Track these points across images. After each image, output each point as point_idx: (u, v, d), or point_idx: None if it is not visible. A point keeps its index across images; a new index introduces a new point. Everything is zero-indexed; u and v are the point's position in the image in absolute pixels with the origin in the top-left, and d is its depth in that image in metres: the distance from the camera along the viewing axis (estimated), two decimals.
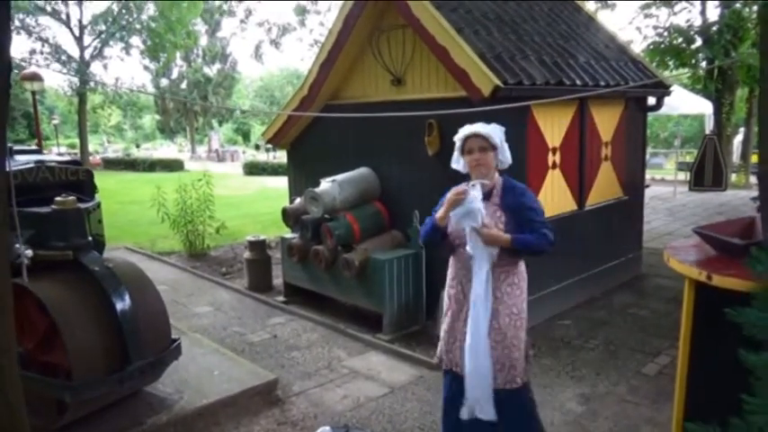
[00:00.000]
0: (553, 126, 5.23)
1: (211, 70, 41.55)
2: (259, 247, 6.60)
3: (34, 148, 6.44)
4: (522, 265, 2.94)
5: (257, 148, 39.42)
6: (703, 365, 2.53)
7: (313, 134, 6.14)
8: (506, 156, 2.89)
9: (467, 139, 2.81)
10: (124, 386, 3.30)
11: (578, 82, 5.10)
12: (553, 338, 4.93)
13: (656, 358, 4.50)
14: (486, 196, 2.79)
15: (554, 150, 5.27)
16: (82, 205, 3.53)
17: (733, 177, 15.08)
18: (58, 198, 3.38)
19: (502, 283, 2.80)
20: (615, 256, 6.27)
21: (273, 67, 54.36)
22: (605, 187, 6.05)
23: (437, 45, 4.59)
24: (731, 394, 2.37)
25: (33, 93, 14.35)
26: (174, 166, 28.03)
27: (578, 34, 6.16)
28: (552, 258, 5.30)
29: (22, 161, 3.82)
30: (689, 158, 17.62)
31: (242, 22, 20.48)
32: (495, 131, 2.82)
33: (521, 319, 2.85)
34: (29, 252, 3.03)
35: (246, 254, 6.70)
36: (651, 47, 15.54)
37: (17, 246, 3.10)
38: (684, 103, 11.63)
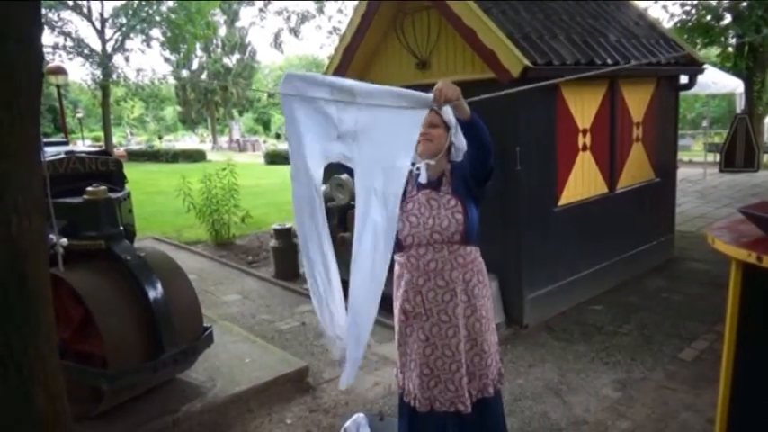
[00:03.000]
0: (583, 107, 5.10)
1: (231, 60, 41.71)
2: (285, 235, 6.60)
3: (63, 140, 6.51)
4: (483, 264, 2.61)
5: (278, 137, 39.59)
6: (752, 350, 2.44)
7: None
8: (461, 142, 2.50)
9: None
10: (158, 374, 3.33)
11: (609, 61, 4.96)
12: (585, 324, 4.84)
13: (693, 343, 4.39)
14: (436, 185, 2.49)
15: (584, 132, 5.15)
16: (113, 195, 3.54)
17: (765, 158, 14.66)
18: (89, 188, 3.40)
19: (468, 284, 2.51)
20: (647, 240, 6.13)
21: (292, 56, 54.32)
22: (636, 169, 5.91)
23: (464, 26, 4.49)
24: None
25: (58, 87, 14.52)
26: (196, 156, 28.31)
27: (607, 12, 5.99)
28: (583, 242, 5.25)
29: (52, 152, 3.85)
30: (717, 140, 17.18)
31: (261, 11, 20.41)
32: (450, 110, 2.46)
33: (489, 320, 2.58)
34: (64, 241, 3.05)
35: (272, 242, 6.71)
36: (678, 25, 15.12)
37: (51, 236, 3.12)
38: (714, 82, 11.31)
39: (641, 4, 6.76)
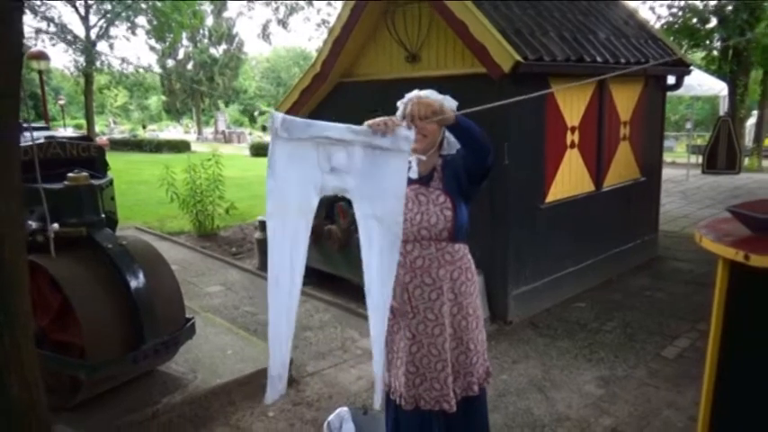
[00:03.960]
0: (572, 104, 5.11)
1: (217, 51, 41.24)
2: None
3: (43, 125, 6.37)
4: (472, 261, 2.57)
5: (264, 129, 39.27)
6: (737, 349, 2.46)
7: (326, 111, 6.02)
8: (453, 140, 2.44)
9: (410, 104, 2.34)
10: (138, 365, 3.26)
11: (599, 59, 4.96)
12: (569, 321, 4.86)
13: (676, 341, 4.42)
14: (426, 180, 2.44)
15: (573, 129, 5.16)
16: (95, 182, 3.46)
17: (746, 161, 14.87)
18: (70, 174, 3.32)
19: (455, 282, 2.47)
20: (631, 239, 6.17)
21: (280, 48, 53.96)
22: (623, 168, 5.94)
23: (455, 19, 4.46)
24: (766, 380, 2.30)
25: (40, 72, 14.26)
26: (180, 147, 27.95)
27: (598, 10, 6.00)
28: (568, 240, 5.27)
29: (33, 137, 3.74)
30: (700, 142, 17.39)
31: (249, 1, 20.19)
32: (447, 102, 2.40)
33: (476, 318, 2.54)
34: (55, 226, 2.97)
35: (257, 234, 6.64)
36: (665, 27, 15.25)
37: (31, 222, 3.05)
38: (699, 84, 11.42)
39: (630, 5, 6.78)
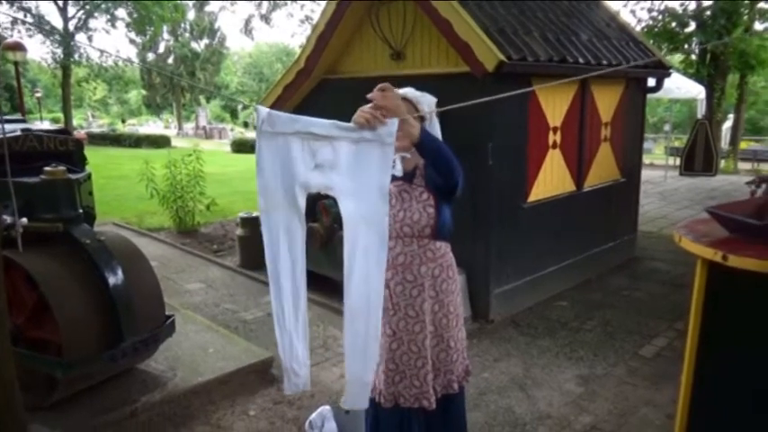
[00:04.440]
0: (555, 105, 5.15)
1: (199, 45, 40.83)
2: (251, 223, 6.48)
3: (19, 117, 6.24)
4: (453, 259, 2.57)
5: (246, 125, 38.98)
6: (714, 348, 2.50)
7: (309, 109, 5.99)
8: (436, 132, 2.44)
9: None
10: (117, 363, 3.21)
11: (581, 60, 5.01)
12: (550, 319, 4.90)
13: (654, 340, 4.49)
14: (410, 177, 2.44)
15: (555, 130, 5.20)
16: (72, 176, 3.39)
17: (722, 163, 15.15)
18: (47, 168, 3.25)
19: (436, 279, 2.46)
20: (611, 239, 6.25)
21: (262, 43, 53.54)
22: (604, 169, 6.00)
23: (440, 18, 4.46)
24: (743, 378, 2.34)
25: (16, 63, 13.96)
26: (160, 142, 27.61)
27: (580, 11, 6.05)
28: (550, 239, 5.31)
29: (7, 129, 3.66)
30: (678, 144, 17.68)
31: None
32: (425, 100, 2.42)
33: (457, 317, 2.54)
34: (24, 221, 2.90)
35: (239, 231, 6.59)
36: (645, 30, 15.46)
37: (5, 217, 2.97)
38: (677, 87, 11.60)
39: (611, 6, 6.85)
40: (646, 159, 16.95)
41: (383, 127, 2.04)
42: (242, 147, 24.35)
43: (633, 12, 15.75)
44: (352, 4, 5.13)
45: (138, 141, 28.14)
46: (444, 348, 2.51)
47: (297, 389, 2.11)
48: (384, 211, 2.08)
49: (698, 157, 13.08)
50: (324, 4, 5.46)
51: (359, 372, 2.13)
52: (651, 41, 15.13)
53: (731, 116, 19.47)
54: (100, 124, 42.94)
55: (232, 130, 38.90)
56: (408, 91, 2.45)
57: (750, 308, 2.35)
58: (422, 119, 2.41)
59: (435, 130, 2.48)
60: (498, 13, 4.81)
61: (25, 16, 24.26)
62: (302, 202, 2.07)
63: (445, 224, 2.48)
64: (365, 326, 2.12)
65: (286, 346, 2.11)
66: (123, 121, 44.90)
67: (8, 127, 3.87)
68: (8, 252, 2.94)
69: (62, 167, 3.31)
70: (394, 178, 2.44)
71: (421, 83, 4.68)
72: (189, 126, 41.73)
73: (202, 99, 44.26)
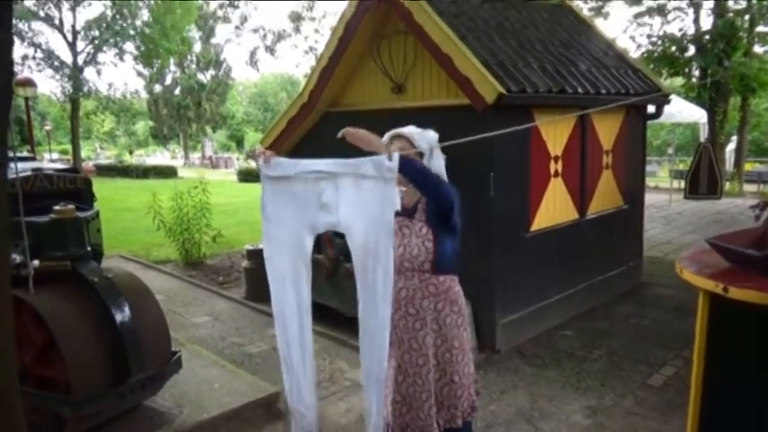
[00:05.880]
0: (555, 134, 5.21)
1: (205, 76, 41.46)
2: (257, 255, 6.51)
3: (28, 155, 6.35)
4: (459, 294, 2.60)
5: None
6: (719, 379, 2.49)
7: (313, 141, 6.09)
8: (437, 167, 2.49)
9: (391, 141, 2.51)
10: (124, 400, 3.22)
11: (580, 90, 5.08)
12: (556, 349, 4.88)
13: (661, 369, 4.46)
14: (411, 213, 2.50)
15: (556, 159, 5.25)
16: (81, 214, 3.45)
17: (727, 186, 15.15)
18: (56, 207, 3.31)
19: (439, 313, 2.49)
20: (616, 266, 6.24)
21: (268, 74, 54.35)
22: (606, 196, 6.03)
23: (440, 52, 4.56)
24: (748, 409, 2.34)
25: (26, 99, 14.21)
26: (167, 172, 27.90)
27: (578, 42, 6.16)
28: (554, 268, 5.32)
29: (19, 169, 3.74)
30: (682, 167, 17.71)
31: (237, 28, 20.41)
32: (422, 136, 2.49)
33: (462, 351, 2.55)
34: (35, 263, 2.95)
35: (245, 263, 6.62)
36: (645, 55, 15.62)
37: (15, 256, 3.03)
38: (679, 111, 11.69)
39: (610, 30, 6.96)
40: (650, 182, 17.00)
41: (384, 163, 2.10)
42: (248, 176, 24.52)
43: (632, 37, 15.84)
44: (355, 38, 5.25)
45: (145, 172, 28.42)
46: (448, 382, 2.52)
47: (302, 430, 2.13)
48: (390, 245, 2.13)
49: (702, 180, 13.12)
50: (327, 36, 5.59)
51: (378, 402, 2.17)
52: (651, 66, 15.30)
53: (734, 138, 19.52)
54: (108, 156, 43.46)
55: (238, 159, 39.24)
56: (406, 129, 2.53)
57: (753, 337, 2.36)
58: (420, 154, 2.48)
59: (436, 164, 2.53)
60: (497, 47, 4.91)
61: (35, 52, 24.80)
62: (309, 244, 2.12)
63: (446, 258, 2.51)
64: (380, 353, 2.16)
65: (294, 388, 2.15)
66: (131, 153, 45.43)
67: (19, 166, 3.95)
68: (17, 291, 2.98)
69: (71, 206, 3.37)
70: (395, 214, 2.49)
71: (422, 115, 4.76)
72: (195, 156, 42.15)
73: (209, 129, 44.81)
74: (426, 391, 2.48)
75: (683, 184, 13.84)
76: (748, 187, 16.33)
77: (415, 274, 2.48)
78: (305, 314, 2.13)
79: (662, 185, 16.26)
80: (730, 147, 19.70)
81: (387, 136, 2.54)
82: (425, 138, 2.53)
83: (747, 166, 19.02)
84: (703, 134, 14.75)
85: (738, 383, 2.41)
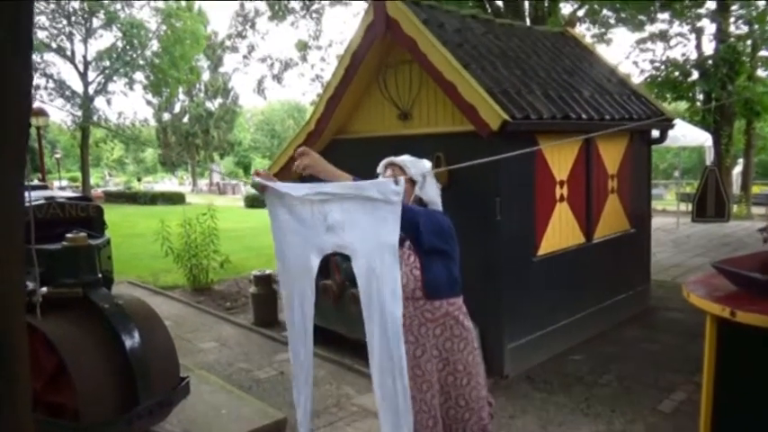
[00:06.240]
0: (560, 160, 5.25)
1: (213, 104, 42.08)
2: (265, 281, 6.55)
3: (40, 183, 6.45)
4: (460, 317, 2.59)
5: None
6: (729, 403, 2.48)
7: None
8: (430, 195, 2.57)
9: (385, 170, 2.63)
10: (132, 427, 3.22)
11: (584, 116, 5.14)
12: (565, 374, 4.84)
13: (672, 394, 4.41)
14: (401, 241, 2.50)
15: (561, 183, 5.28)
16: (92, 242, 3.51)
17: (734, 208, 15.11)
18: (68, 234, 3.37)
19: (438, 338, 2.51)
20: (624, 290, 6.22)
21: (275, 101, 55.04)
22: (612, 220, 6.04)
23: (444, 80, 4.64)
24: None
25: (38, 128, 14.48)
26: (175, 199, 28.15)
27: (581, 68, 6.25)
28: (561, 292, 5.31)
29: (32, 197, 3.81)
30: (689, 189, 17.70)
31: (245, 57, 20.71)
32: (415, 164, 2.58)
33: (468, 375, 2.55)
34: (44, 290, 2.99)
35: (252, 288, 6.65)
36: (648, 80, 15.76)
37: (29, 283, 3.07)
38: (683, 135, 11.74)
39: (612, 56, 7.06)
40: (657, 206, 16.98)
41: (390, 186, 2.15)
42: (255, 202, 24.69)
43: (635, 63, 16.00)
44: (361, 67, 5.35)
45: (153, 199, 28.69)
46: (453, 406, 2.53)
47: None
48: (395, 268, 2.16)
49: (709, 203, 13.07)
50: (333, 64, 5.70)
51: (394, 428, 2.17)
52: (655, 91, 15.43)
53: (741, 161, 19.52)
54: (116, 183, 43.89)
55: (245, 185, 39.51)
56: (399, 157, 2.63)
57: (762, 361, 2.35)
58: (412, 182, 2.54)
59: (430, 191, 2.60)
60: (501, 74, 4.99)
61: (47, 81, 25.31)
62: (316, 266, 2.15)
63: (439, 283, 2.53)
64: (392, 381, 2.16)
65: (302, 408, 2.17)
66: (139, 180, 45.84)
67: (33, 194, 4.02)
68: (28, 317, 3.02)
69: (83, 234, 3.43)
70: None
71: (428, 142, 4.83)
72: (203, 182, 42.50)
73: (216, 156, 45.26)
74: (432, 417, 2.49)
75: (690, 206, 13.80)
76: (757, 210, 16.27)
77: (409, 302, 2.51)
78: (309, 338, 2.17)
79: (669, 208, 16.23)
80: (737, 169, 19.71)
81: (381, 164, 2.64)
82: (418, 166, 2.61)
83: (755, 189, 18.99)
84: (709, 157, 14.77)
85: (749, 407, 2.40)
